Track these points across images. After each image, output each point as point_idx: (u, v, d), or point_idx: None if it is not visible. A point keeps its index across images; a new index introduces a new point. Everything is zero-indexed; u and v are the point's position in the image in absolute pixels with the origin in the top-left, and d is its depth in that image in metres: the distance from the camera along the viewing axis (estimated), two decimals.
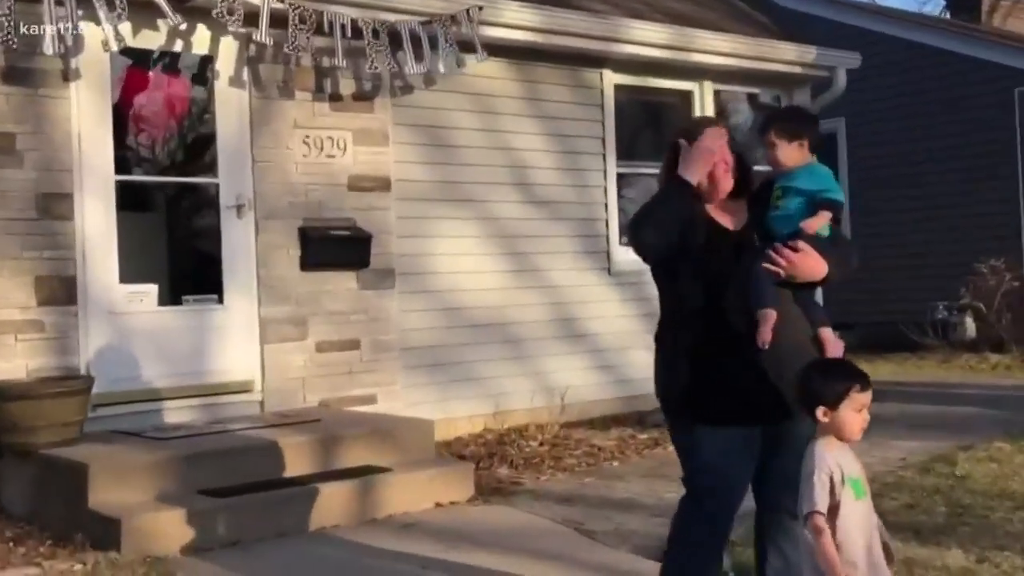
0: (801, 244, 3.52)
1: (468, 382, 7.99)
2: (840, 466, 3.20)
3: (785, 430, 3.61)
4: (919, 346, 12.87)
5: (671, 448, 4.03)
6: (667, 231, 3.59)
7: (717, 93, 9.60)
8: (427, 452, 6.51)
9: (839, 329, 12.03)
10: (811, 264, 3.54)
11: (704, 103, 9.47)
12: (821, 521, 3.12)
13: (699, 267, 3.67)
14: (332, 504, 5.70)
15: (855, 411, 3.22)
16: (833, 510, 3.16)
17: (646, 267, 9.08)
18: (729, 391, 3.65)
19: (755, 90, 9.98)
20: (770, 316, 3.50)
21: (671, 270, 3.73)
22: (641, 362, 8.74)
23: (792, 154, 3.68)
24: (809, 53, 9.80)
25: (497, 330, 8.18)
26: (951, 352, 12.64)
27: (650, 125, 9.49)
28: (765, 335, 3.48)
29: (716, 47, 9.15)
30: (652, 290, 8.79)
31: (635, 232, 3.73)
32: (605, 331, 8.64)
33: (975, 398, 9.36)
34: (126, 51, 6.68)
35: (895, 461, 6.80)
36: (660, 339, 3.82)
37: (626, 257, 8.80)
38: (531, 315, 8.37)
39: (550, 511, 5.91)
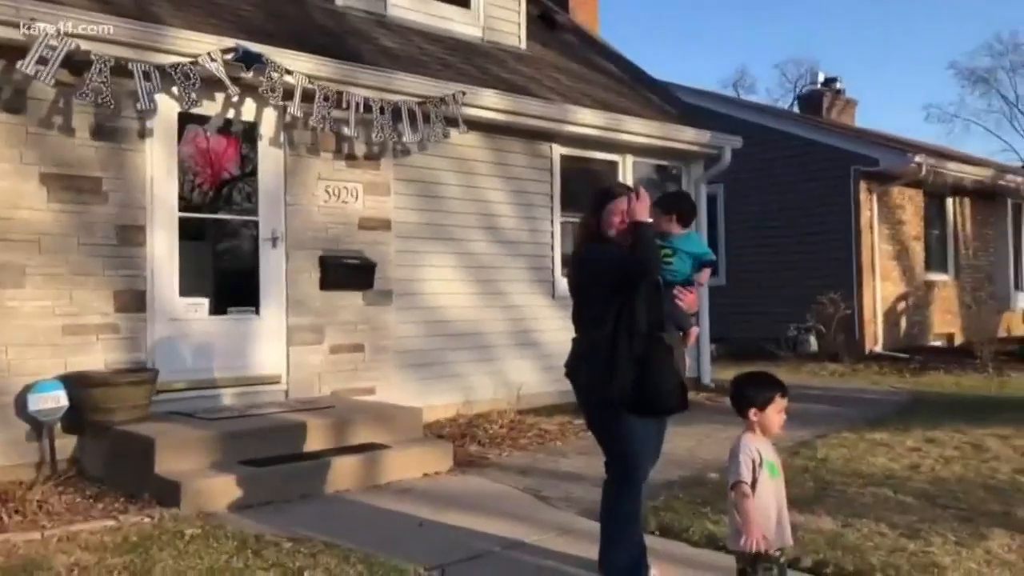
0: (690, 289, 3.98)
1: (445, 378, 7.85)
2: (760, 452, 3.17)
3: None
4: (775, 356, 13.00)
5: None
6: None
7: (635, 164, 9.59)
8: (416, 433, 6.37)
9: (715, 342, 12.14)
10: (692, 299, 4.00)
11: (626, 171, 9.46)
12: (747, 488, 3.10)
13: (650, 289, 3.71)
14: (344, 473, 5.55)
15: (777, 412, 3.21)
16: (752, 485, 3.12)
17: None
18: (666, 389, 3.63)
19: (664, 162, 9.98)
20: (695, 330, 4.14)
21: (630, 291, 3.65)
22: None
23: (669, 225, 4.00)
24: (704, 136, 9.85)
25: (469, 338, 8.05)
26: (799, 362, 12.78)
27: (586, 186, 9.43)
28: (691, 341, 4.04)
29: (636, 129, 9.14)
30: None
31: (652, 266, 3.68)
32: (550, 341, 8.52)
33: (822, 398, 9.43)
34: (190, 116, 6.50)
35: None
36: (606, 347, 3.62)
37: (566, 284, 8.75)
38: (495, 327, 8.26)
39: (513, 480, 5.80)
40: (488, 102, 7.87)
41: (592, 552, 3.96)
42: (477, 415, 7.77)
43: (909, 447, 6.60)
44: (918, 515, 4.75)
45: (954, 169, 14.27)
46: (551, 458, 6.48)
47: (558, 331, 8.57)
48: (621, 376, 3.58)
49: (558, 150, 8.83)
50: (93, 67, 5.66)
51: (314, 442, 5.82)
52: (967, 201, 15.53)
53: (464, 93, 7.57)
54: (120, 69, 5.81)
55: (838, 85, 20.02)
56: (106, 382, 5.63)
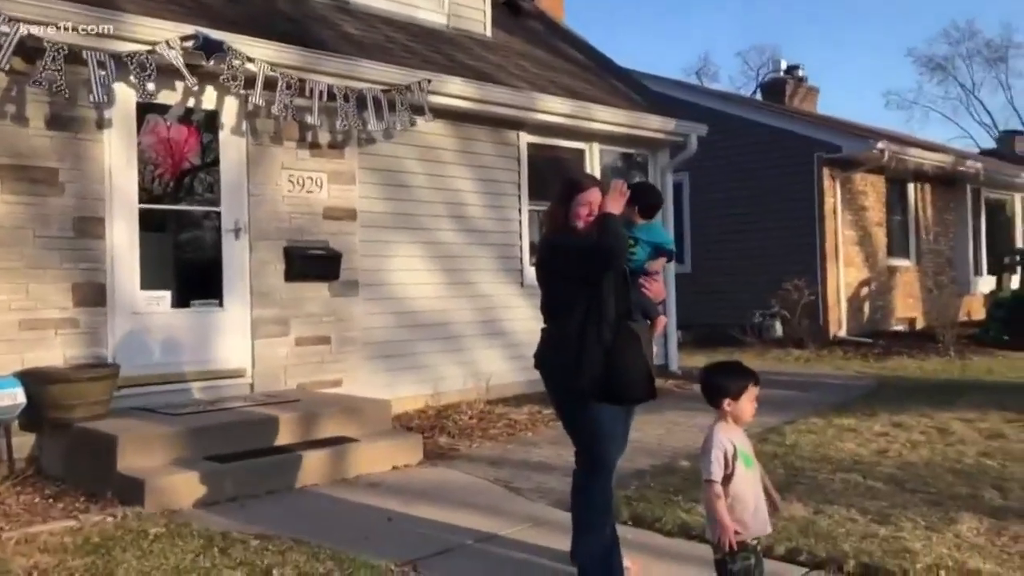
0: (655, 278, 4.14)
1: (414, 369, 7.77)
2: (733, 443, 3.14)
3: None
4: (741, 343, 13.07)
5: None
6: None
7: (602, 152, 9.54)
8: (385, 425, 6.29)
9: (681, 329, 12.13)
10: (659, 288, 4.15)
11: (593, 159, 9.41)
12: (718, 488, 3.06)
13: (618, 278, 3.67)
14: (312, 467, 5.46)
15: (750, 401, 3.18)
16: (727, 478, 3.09)
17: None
18: (634, 378, 3.60)
19: (630, 150, 9.95)
20: (663, 319, 4.25)
21: (598, 280, 3.61)
22: None
23: (632, 215, 4.04)
24: (670, 123, 9.82)
25: (437, 328, 7.97)
26: (764, 348, 12.86)
27: (553, 174, 9.37)
28: (659, 330, 4.11)
29: (603, 117, 9.09)
30: None
31: (619, 254, 3.64)
32: (519, 330, 8.47)
33: (789, 383, 9.46)
34: (150, 105, 6.33)
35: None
36: (575, 336, 3.57)
37: (534, 273, 8.70)
38: (463, 317, 8.18)
39: (483, 472, 5.74)
40: (454, 90, 7.76)
41: (565, 543, 3.92)
42: (446, 406, 7.71)
43: (876, 432, 6.64)
44: (888, 500, 4.76)
45: (916, 155, 14.41)
46: (522, 448, 6.43)
47: (527, 320, 8.54)
48: (590, 365, 3.53)
49: (525, 138, 8.75)
50: (46, 55, 5.48)
51: (281, 436, 5.72)
52: (928, 187, 15.71)
53: (430, 81, 7.46)
54: (75, 57, 5.64)
55: (800, 73, 20.14)
56: (65, 378, 5.48)
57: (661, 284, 4.16)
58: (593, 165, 9.38)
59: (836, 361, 11.72)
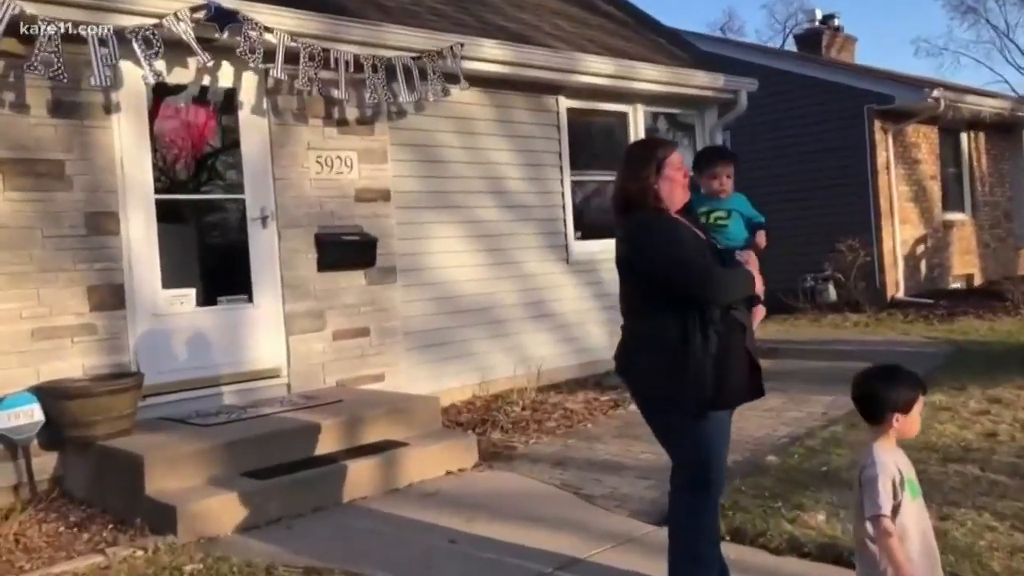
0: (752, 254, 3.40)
1: (458, 358, 7.22)
2: (899, 469, 2.54)
3: None
4: (793, 309, 12.38)
5: (632, 408, 3.38)
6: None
7: (646, 114, 8.88)
8: (435, 424, 5.75)
9: None
10: (755, 268, 3.33)
11: (637, 122, 8.75)
12: (889, 524, 2.46)
13: (716, 260, 3.13)
14: (360, 478, 4.94)
15: (918, 413, 2.59)
16: (894, 510, 2.50)
17: (598, 257, 8.23)
18: (743, 378, 3.03)
19: (676, 111, 9.26)
20: (761, 310, 3.36)
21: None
22: (595, 334, 8.13)
23: (721, 184, 3.49)
24: (719, 79, 9.13)
25: (481, 313, 7.40)
26: (819, 313, 12.19)
27: (595, 141, 8.75)
28: (758, 320, 3.31)
29: (647, 75, 8.41)
30: (601, 275, 8.06)
31: (722, 300, 3.08)
32: (566, 310, 7.93)
33: (854, 353, 8.78)
34: (162, 86, 5.77)
35: (819, 416, 6.21)
36: (677, 339, 2.96)
37: (581, 249, 8.12)
38: (507, 299, 7.60)
39: (546, 474, 5.20)
40: (489, 54, 7.12)
41: (659, 567, 3.33)
42: (495, 396, 7.17)
43: (974, 410, 6.00)
44: (1021, 499, 4.15)
45: (973, 102, 13.58)
46: (584, 444, 5.87)
47: (575, 299, 8.00)
48: (697, 373, 2.94)
49: (564, 103, 8.10)
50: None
51: (324, 444, 5.20)
52: (982, 136, 14.85)
53: (462, 45, 6.83)
54: (75, 36, 5.07)
55: (836, 22, 19.14)
56: (85, 392, 4.95)
57: (757, 269, 3.35)
58: (637, 128, 8.72)
59: (898, 325, 11.02)
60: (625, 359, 3.21)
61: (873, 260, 12.51)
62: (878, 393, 2.61)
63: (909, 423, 2.58)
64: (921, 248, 13.50)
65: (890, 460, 2.54)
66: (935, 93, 12.37)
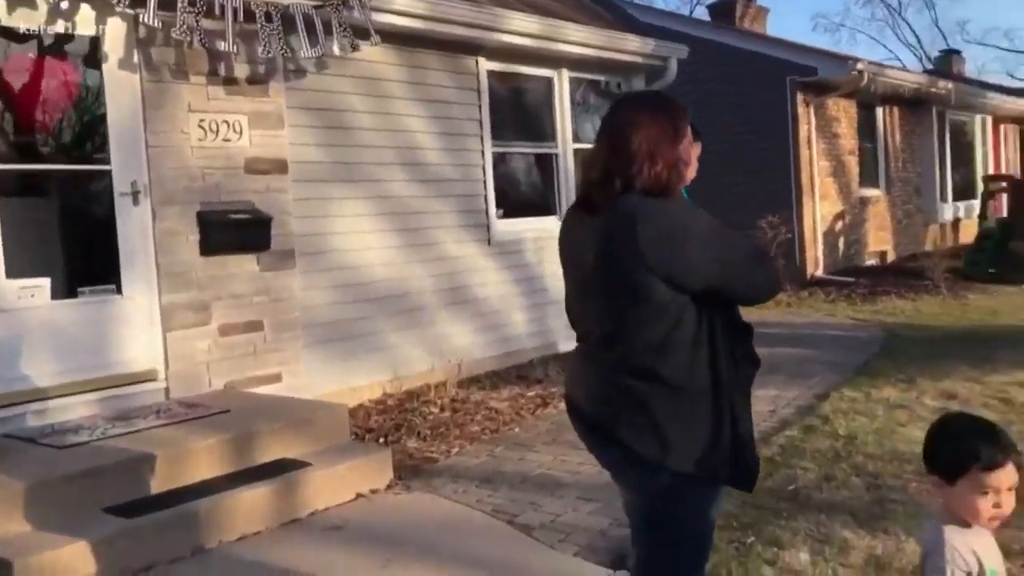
0: None
1: (367, 352, 6.40)
2: (979, 556, 1.90)
3: None
4: None
5: (561, 407, 2.59)
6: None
7: (571, 80, 8.15)
8: (341, 436, 4.94)
9: None
10: None
11: (562, 88, 8.02)
12: None
13: None
14: (254, 508, 4.11)
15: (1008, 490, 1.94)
16: None
17: (521, 237, 7.30)
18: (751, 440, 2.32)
19: (602, 77, 8.56)
20: None
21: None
22: (518, 322, 7.42)
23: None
24: (649, 45, 8.48)
25: (392, 301, 6.59)
26: None
27: (518, 109, 7.98)
28: None
29: (575, 38, 7.68)
30: (526, 257, 7.27)
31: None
32: (488, 296, 7.19)
33: (783, 337, 8.39)
34: (7, 32, 4.71)
35: (767, 415, 5.65)
36: (699, 379, 2.20)
37: (503, 228, 7.37)
38: (423, 285, 6.80)
39: (475, 495, 4.47)
40: (402, 5, 6.25)
41: None
42: (410, 393, 6.40)
43: (932, 408, 5.57)
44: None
45: (894, 77, 13.35)
46: (514, 453, 5.16)
47: (497, 284, 7.26)
48: (714, 429, 2.19)
49: (485, 65, 7.29)
50: None
51: (208, 466, 4.33)
52: (896, 111, 14.71)
53: None
54: None
55: None
56: None
57: None
58: (562, 96, 8.00)
59: (822, 305, 10.72)
60: (609, 410, 2.26)
61: (794, 237, 12.16)
62: (948, 444, 1.96)
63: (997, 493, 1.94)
64: (839, 225, 13.27)
65: (964, 546, 1.91)
66: (859, 66, 12.04)
